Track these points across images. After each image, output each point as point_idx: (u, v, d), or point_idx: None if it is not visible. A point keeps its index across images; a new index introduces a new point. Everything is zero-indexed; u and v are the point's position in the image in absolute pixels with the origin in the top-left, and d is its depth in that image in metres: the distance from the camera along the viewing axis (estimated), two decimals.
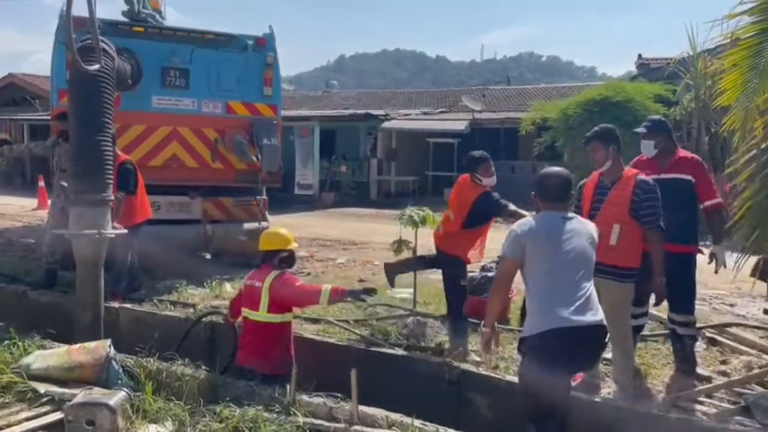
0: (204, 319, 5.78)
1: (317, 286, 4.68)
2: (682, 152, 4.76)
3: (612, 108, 14.36)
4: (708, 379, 4.68)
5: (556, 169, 3.78)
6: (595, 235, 3.67)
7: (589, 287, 3.49)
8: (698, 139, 14.23)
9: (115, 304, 6.34)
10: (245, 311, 4.74)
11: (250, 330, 4.71)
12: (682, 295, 4.61)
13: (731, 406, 4.23)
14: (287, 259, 4.76)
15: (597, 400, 4.30)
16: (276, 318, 4.61)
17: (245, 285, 4.79)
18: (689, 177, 4.58)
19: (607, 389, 4.55)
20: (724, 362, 5.06)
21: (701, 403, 4.33)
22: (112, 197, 5.58)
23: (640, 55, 22.19)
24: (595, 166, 4.52)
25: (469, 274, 6.34)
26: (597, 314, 3.46)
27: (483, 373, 4.73)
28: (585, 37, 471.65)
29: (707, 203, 4.60)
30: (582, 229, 3.61)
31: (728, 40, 4.75)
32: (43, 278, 7.17)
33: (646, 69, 19.60)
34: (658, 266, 4.26)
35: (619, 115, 14.04)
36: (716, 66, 8.00)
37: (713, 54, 14.51)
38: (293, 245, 4.78)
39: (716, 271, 4.73)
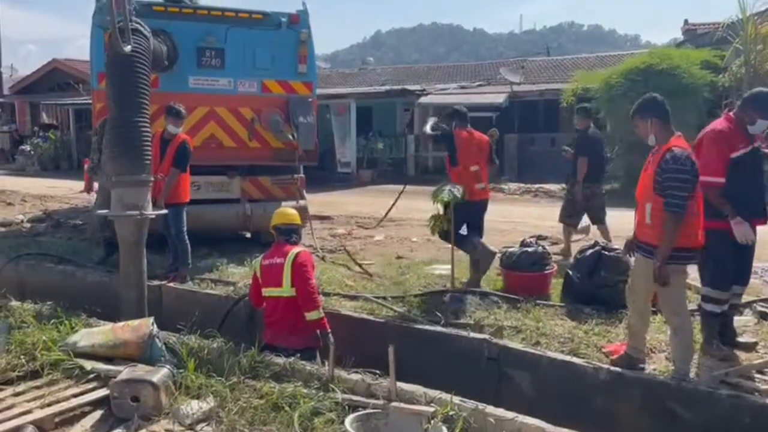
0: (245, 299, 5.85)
1: (320, 301, 4.87)
2: None
3: (656, 76, 13.88)
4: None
5: None
6: None
7: None
8: None
9: (169, 283, 6.52)
10: (268, 291, 4.87)
11: (276, 308, 4.82)
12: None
13: None
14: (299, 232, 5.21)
15: (642, 376, 4.20)
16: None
17: (261, 267, 4.95)
18: None
19: (652, 365, 4.44)
20: None
21: (752, 379, 4.19)
22: (151, 177, 5.67)
23: (686, 21, 21.39)
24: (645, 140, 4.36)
25: (509, 249, 6.26)
26: None
27: (524, 349, 4.67)
28: (628, 3, 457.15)
29: None
30: None
31: None
32: (102, 253, 7.36)
33: (693, 35, 18.89)
34: (660, 252, 3.99)
35: (664, 84, 13.55)
36: (767, 29, 7.60)
37: (764, 17, 13.95)
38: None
39: None
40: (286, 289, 4.73)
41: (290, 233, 5.03)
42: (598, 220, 7.69)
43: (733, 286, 4.54)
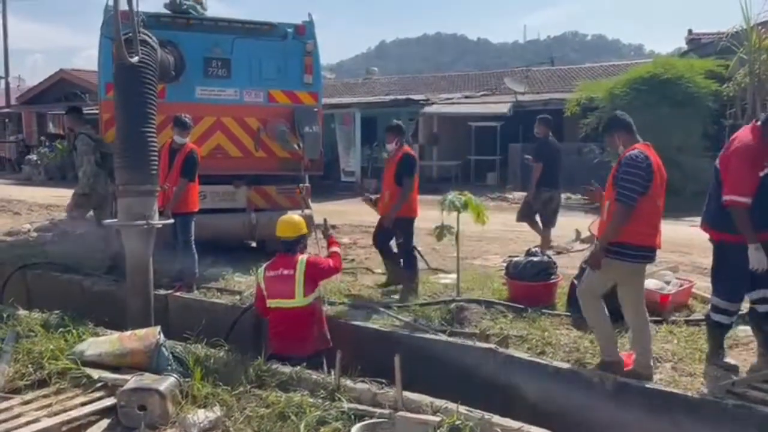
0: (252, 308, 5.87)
1: (338, 262, 5.20)
2: None
3: (661, 86, 13.89)
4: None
5: None
6: None
7: None
8: (753, 116, 13.67)
9: (175, 292, 6.56)
10: (276, 302, 4.84)
11: (282, 319, 4.81)
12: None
13: None
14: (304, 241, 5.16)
15: (647, 386, 4.19)
16: (311, 298, 4.82)
17: (265, 279, 4.92)
18: None
19: (658, 375, 4.43)
20: None
21: (759, 388, 4.17)
22: (158, 187, 5.71)
23: (690, 30, 21.44)
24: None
25: (514, 259, 6.27)
26: None
27: (529, 358, 4.67)
28: (631, 13, 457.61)
29: None
30: None
31: None
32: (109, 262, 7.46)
33: (697, 44, 18.91)
34: (602, 236, 4.23)
35: (668, 93, 13.58)
36: None
37: None
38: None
39: None
40: (299, 300, 4.73)
41: (296, 244, 4.99)
42: (551, 224, 8.18)
43: (761, 290, 4.41)
